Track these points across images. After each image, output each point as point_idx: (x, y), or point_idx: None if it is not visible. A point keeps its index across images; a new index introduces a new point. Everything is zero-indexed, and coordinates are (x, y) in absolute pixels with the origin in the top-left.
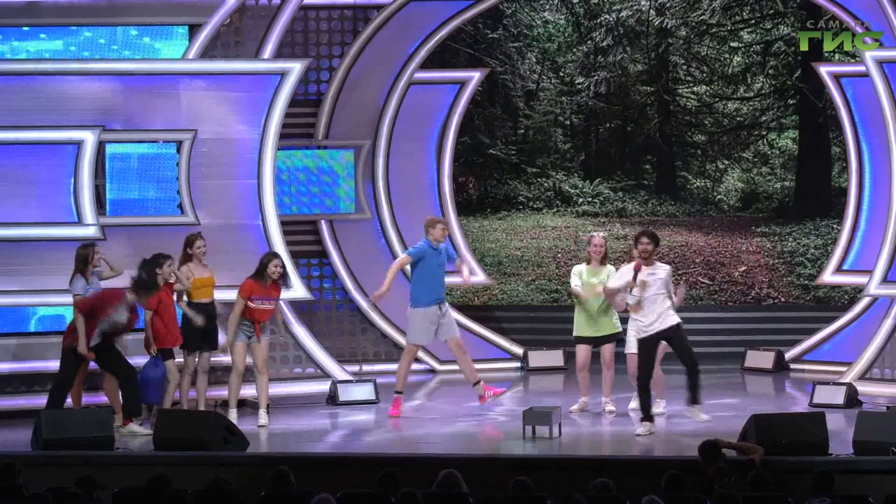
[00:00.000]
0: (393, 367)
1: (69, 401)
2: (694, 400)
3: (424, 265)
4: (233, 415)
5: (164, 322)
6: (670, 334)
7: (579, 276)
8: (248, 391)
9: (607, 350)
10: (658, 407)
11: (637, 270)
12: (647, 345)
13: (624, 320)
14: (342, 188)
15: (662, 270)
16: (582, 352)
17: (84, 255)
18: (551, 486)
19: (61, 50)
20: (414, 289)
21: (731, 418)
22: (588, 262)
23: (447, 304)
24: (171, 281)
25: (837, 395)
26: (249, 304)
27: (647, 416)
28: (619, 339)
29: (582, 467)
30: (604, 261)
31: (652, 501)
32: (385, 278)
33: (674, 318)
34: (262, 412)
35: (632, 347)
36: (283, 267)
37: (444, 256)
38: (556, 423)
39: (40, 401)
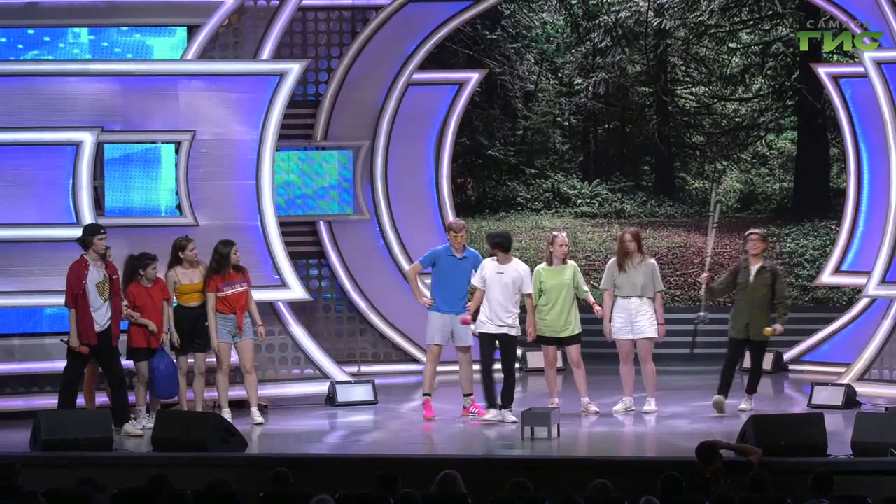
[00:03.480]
0: (391, 367)
1: (82, 401)
2: (506, 404)
3: (439, 270)
4: (226, 414)
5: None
6: (502, 340)
7: (538, 280)
8: (242, 393)
9: (574, 351)
10: (649, 405)
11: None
12: (482, 340)
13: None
14: (341, 189)
15: (513, 271)
16: (550, 352)
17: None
18: (550, 486)
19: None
20: (432, 293)
21: (729, 419)
22: (550, 263)
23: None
24: (150, 284)
25: (836, 396)
26: (219, 294)
27: (493, 402)
28: (581, 339)
29: (580, 468)
30: (566, 259)
31: (649, 502)
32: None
33: (507, 329)
34: (255, 410)
35: (620, 334)
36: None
37: (467, 265)
38: (555, 423)
39: (40, 401)
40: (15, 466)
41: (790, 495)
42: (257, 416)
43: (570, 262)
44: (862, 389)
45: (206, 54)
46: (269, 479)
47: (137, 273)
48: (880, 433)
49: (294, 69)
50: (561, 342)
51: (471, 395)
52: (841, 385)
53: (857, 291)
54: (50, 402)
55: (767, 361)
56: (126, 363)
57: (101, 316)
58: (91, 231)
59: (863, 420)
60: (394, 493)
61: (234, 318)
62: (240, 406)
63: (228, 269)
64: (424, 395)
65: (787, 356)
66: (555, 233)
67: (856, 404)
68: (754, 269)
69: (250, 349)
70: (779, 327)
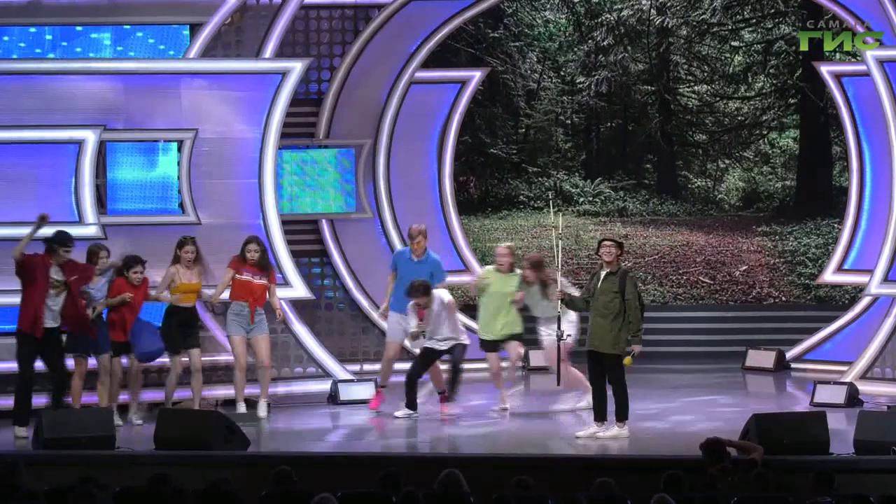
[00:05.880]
0: (393, 366)
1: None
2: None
3: (399, 273)
4: (241, 409)
5: (119, 319)
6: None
7: (486, 276)
8: (252, 390)
9: (514, 347)
10: (580, 402)
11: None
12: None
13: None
14: (342, 187)
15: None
16: (492, 359)
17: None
18: (552, 485)
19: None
20: (394, 292)
21: (732, 417)
22: (497, 269)
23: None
24: (137, 285)
25: (838, 395)
26: (238, 276)
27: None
28: (521, 337)
29: (583, 467)
30: (512, 268)
31: (662, 500)
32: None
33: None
34: (262, 403)
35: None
36: (262, 252)
37: (423, 268)
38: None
39: (42, 400)
40: (18, 465)
41: (792, 494)
42: (263, 409)
43: (518, 272)
44: (864, 388)
45: (208, 52)
46: (271, 478)
47: (122, 272)
48: (882, 431)
49: (296, 67)
50: (496, 345)
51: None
52: (843, 383)
53: (859, 290)
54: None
55: (769, 360)
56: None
57: (52, 311)
58: (59, 241)
59: (865, 418)
60: (396, 492)
61: (246, 306)
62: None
63: (245, 262)
64: (380, 386)
65: (789, 355)
66: (498, 246)
67: (858, 403)
68: (603, 274)
69: (265, 343)
70: (635, 349)
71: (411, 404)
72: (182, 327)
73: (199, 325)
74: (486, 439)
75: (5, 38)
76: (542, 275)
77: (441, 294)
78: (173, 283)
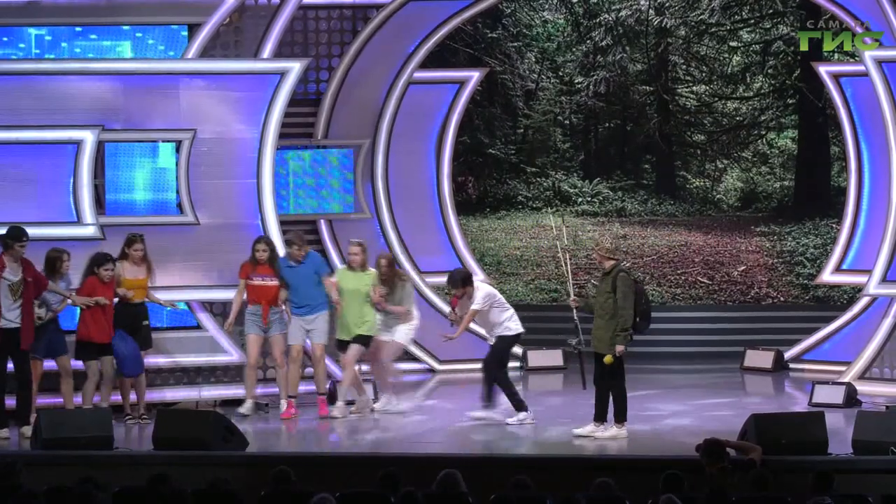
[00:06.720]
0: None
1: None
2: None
3: (287, 281)
4: (248, 406)
5: (93, 318)
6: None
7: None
8: (233, 391)
9: (353, 350)
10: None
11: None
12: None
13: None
14: (341, 187)
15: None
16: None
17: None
18: (551, 485)
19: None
20: (291, 300)
21: (730, 418)
22: (349, 267)
23: (322, 315)
24: (107, 282)
25: (837, 395)
26: (249, 282)
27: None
28: (365, 343)
29: (582, 467)
30: (365, 266)
31: (669, 500)
32: None
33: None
34: (283, 402)
35: (399, 337)
36: (271, 251)
37: (303, 269)
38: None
39: (41, 400)
40: (16, 465)
41: (791, 494)
42: (283, 406)
43: (372, 270)
44: (862, 388)
45: (206, 53)
46: (271, 478)
47: (93, 270)
48: (881, 432)
49: (295, 68)
50: (346, 344)
51: (323, 394)
52: (841, 383)
53: (857, 290)
54: (51, 400)
55: (768, 360)
56: (76, 363)
57: (12, 312)
58: (13, 237)
59: (863, 418)
60: (395, 492)
61: (260, 308)
62: (236, 403)
63: (255, 263)
64: (289, 397)
65: (787, 355)
66: (351, 240)
67: (856, 403)
68: (601, 274)
69: (279, 343)
70: (617, 348)
71: (519, 406)
72: (128, 325)
73: (146, 325)
74: (485, 439)
75: (21, 45)
76: (396, 274)
77: (481, 288)
78: (117, 280)
